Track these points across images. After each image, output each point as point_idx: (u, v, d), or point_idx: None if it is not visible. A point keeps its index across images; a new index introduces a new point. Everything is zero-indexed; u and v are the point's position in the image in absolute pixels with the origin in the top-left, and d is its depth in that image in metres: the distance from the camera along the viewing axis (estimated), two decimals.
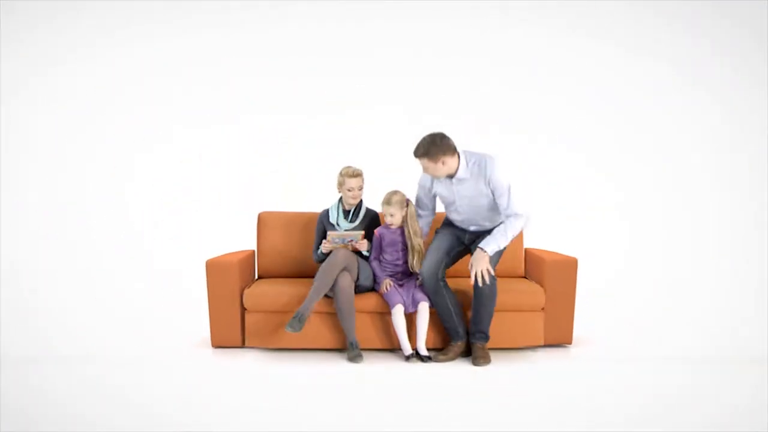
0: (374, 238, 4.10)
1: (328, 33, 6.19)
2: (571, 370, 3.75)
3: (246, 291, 4.05)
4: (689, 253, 6.05)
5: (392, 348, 4.03)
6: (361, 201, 4.23)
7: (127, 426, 2.90)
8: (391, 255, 4.08)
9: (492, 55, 6.23)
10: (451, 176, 3.87)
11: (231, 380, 3.55)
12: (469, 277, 3.80)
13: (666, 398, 3.29)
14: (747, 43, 6.15)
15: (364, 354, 3.91)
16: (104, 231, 6.10)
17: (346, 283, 3.88)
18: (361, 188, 4.16)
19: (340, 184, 4.15)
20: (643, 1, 6.20)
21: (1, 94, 6.12)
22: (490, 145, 5.94)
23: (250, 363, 3.87)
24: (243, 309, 4.08)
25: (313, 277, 4.05)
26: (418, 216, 4.13)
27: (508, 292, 3.99)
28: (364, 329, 3.99)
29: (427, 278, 3.89)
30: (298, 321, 3.75)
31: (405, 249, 4.07)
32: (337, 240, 4.00)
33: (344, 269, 3.91)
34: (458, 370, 3.75)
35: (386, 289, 3.98)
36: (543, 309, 4.07)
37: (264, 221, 4.50)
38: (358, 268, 3.99)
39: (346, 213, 4.22)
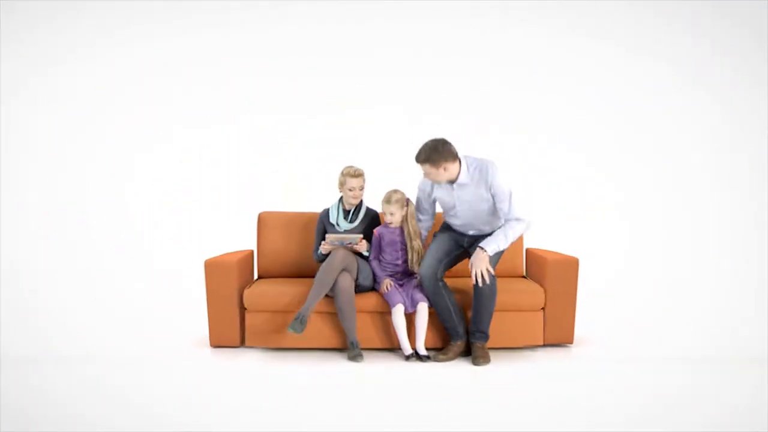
0: (373, 238, 4.10)
1: (328, 33, 6.19)
2: (571, 370, 3.75)
3: (246, 291, 4.05)
4: (689, 253, 6.05)
5: (392, 347, 4.04)
6: (361, 201, 4.23)
7: (127, 426, 2.90)
8: (390, 255, 4.08)
9: (492, 55, 6.23)
10: (452, 181, 3.89)
11: (231, 380, 3.55)
12: (470, 276, 3.80)
13: (666, 398, 3.29)
14: (747, 43, 6.15)
15: (365, 353, 3.92)
16: (104, 231, 6.10)
17: (347, 283, 3.89)
18: (362, 188, 4.16)
19: (341, 184, 4.15)
20: (643, 1, 6.20)
21: (1, 94, 6.12)
22: (490, 145, 5.98)
23: (250, 363, 3.87)
24: (242, 309, 4.09)
25: (313, 277, 4.06)
26: (418, 220, 4.14)
27: (508, 292, 3.99)
28: (364, 329, 3.99)
29: (427, 279, 3.89)
30: (300, 322, 3.76)
31: (404, 249, 4.07)
32: (335, 242, 4.00)
33: (344, 269, 3.91)
34: (458, 370, 3.75)
35: (386, 289, 3.98)
36: (543, 309, 4.07)
37: (264, 221, 4.50)
38: (358, 267, 3.99)
39: (346, 213, 4.22)
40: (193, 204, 6.18)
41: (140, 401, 3.22)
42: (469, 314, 3.95)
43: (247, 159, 6.23)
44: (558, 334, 4.12)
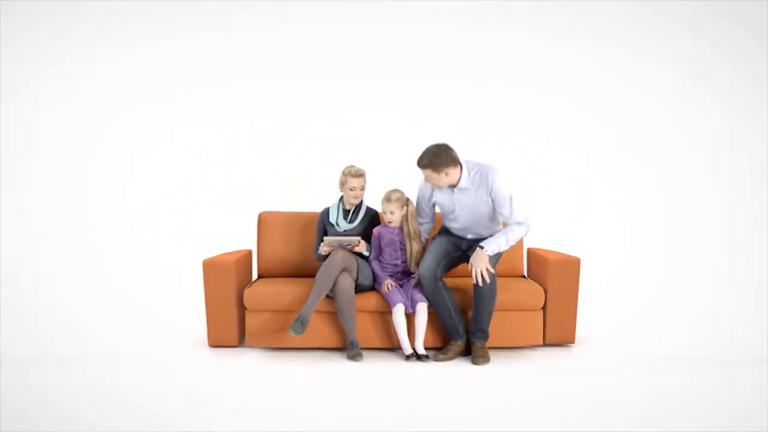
0: (373, 238, 4.10)
1: (328, 33, 6.19)
2: (571, 370, 3.75)
3: (246, 291, 4.05)
4: (689, 253, 6.04)
5: (392, 347, 4.04)
6: (361, 200, 4.23)
7: (127, 426, 2.90)
8: (389, 255, 4.08)
9: (492, 55, 6.23)
10: (452, 186, 3.90)
11: (231, 380, 3.55)
12: (470, 276, 3.81)
13: (666, 398, 3.29)
14: (747, 43, 6.15)
15: (364, 353, 3.92)
16: (104, 231, 6.10)
17: (347, 283, 3.89)
18: (363, 188, 4.16)
19: (342, 183, 4.16)
20: (643, 1, 6.20)
21: (1, 94, 6.12)
22: (490, 145, 6.00)
23: (249, 363, 3.87)
24: (240, 309, 4.10)
25: (313, 276, 4.06)
26: (419, 224, 4.14)
27: (508, 292, 4.00)
28: (364, 329, 3.99)
29: (426, 279, 3.89)
30: (300, 324, 3.76)
31: (403, 249, 4.07)
32: (333, 244, 4.01)
33: (344, 270, 3.91)
34: (458, 369, 3.75)
35: (387, 289, 3.98)
36: (542, 308, 4.07)
37: (264, 221, 4.50)
38: (358, 268, 4.00)
39: (346, 212, 4.22)
40: (193, 204, 6.18)
41: (140, 401, 3.22)
42: (469, 314, 3.95)
43: (247, 159, 6.23)
44: (559, 334, 4.12)
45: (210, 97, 6.20)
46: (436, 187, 3.94)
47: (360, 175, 4.12)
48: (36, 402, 3.20)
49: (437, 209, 4.15)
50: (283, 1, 6.19)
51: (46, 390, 3.36)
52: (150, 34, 6.16)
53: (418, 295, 3.95)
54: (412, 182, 4.16)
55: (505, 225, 4.04)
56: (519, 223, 3.85)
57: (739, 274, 5.80)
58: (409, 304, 3.94)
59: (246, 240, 4.72)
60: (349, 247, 4.01)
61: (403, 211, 4.03)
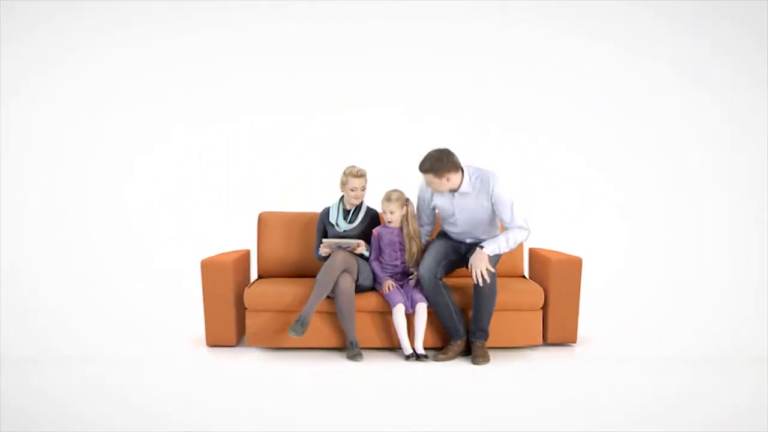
0: (372, 238, 4.10)
1: (328, 33, 6.19)
2: (571, 370, 3.75)
3: (246, 291, 4.06)
4: (689, 253, 6.04)
5: (392, 347, 4.04)
6: (362, 201, 4.23)
7: (127, 426, 2.90)
8: (389, 255, 4.08)
9: (492, 55, 6.22)
10: (453, 190, 3.91)
11: (231, 380, 3.55)
12: (470, 276, 3.82)
13: (666, 398, 3.29)
14: (747, 43, 6.15)
15: (364, 353, 3.92)
16: (104, 231, 6.10)
17: (347, 284, 3.89)
18: (363, 189, 4.16)
19: (343, 183, 4.15)
20: (643, 1, 6.20)
21: (1, 94, 6.12)
22: (490, 145, 6.00)
23: (249, 363, 3.87)
24: (238, 308, 4.11)
25: (313, 276, 4.06)
26: (418, 225, 4.14)
27: (508, 292, 4.00)
28: (364, 328, 4.00)
29: (426, 278, 3.90)
30: (301, 325, 3.77)
31: (403, 249, 4.08)
32: (333, 246, 4.01)
33: (344, 270, 3.91)
34: (458, 369, 3.75)
35: (388, 290, 3.98)
36: (542, 308, 4.08)
37: (264, 221, 4.50)
38: (358, 268, 4.00)
39: (346, 213, 4.22)
40: (193, 204, 6.17)
41: (140, 401, 3.22)
42: (469, 314, 3.96)
43: (247, 159, 6.22)
44: (561, 334, 4.14)
45: (210, 97, 6.20)
46: (437, 191, 3.95)
47: (361, 175, 4.12)
48: (36, 402, 3.20)
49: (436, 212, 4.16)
50: (283, 1, 6.19)
51: (46, 390, 3.36)
52: (150, 34, 6.16)
53: (418, 296, 3.95)
54: (412, 182, 4.15)
55: (503, 230, 4.06)
56: (521, 228, 3.89)
57: (739, 274, 5.80)
58: (409, 304, 3.94)
59: (246, 240, 4.72)
60: (349, 249, 4.01)
61: (403, 211, 4.03)
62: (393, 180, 4.21)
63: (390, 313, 3.94)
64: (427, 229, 4.21)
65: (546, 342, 4.17)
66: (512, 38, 6.22)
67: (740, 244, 6.05)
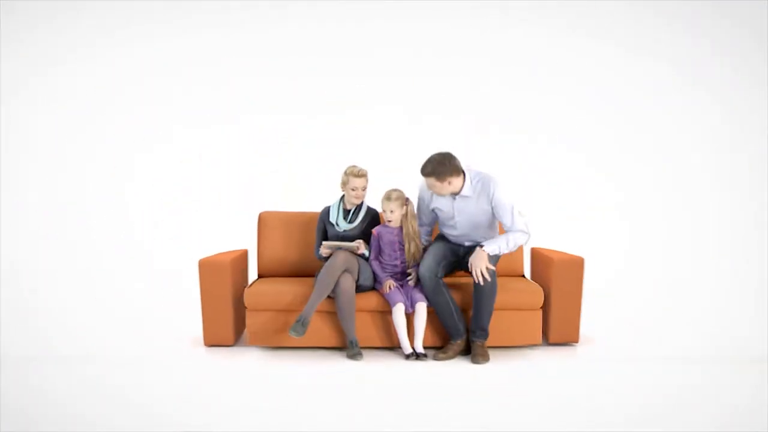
0: (372, 238, 4.10)
1: (328, 33, 6.19)
2: (570, 370, 3.75)
3: (246, 290, 4.06)
4: (689, 253, 6.04)
5: (392, 346, 4.04)
6: (362, 201, 4.23)
7: (127, 426, 2.90)
8: (389, 255, 4.08)
9: (492, 55, 6.22)
10: (454, 193, 3.92)
11: (231, 380, 3.55)
12: (469, 275, 3.82)
13: (666, 398, 3.29)
14: (747, 43, 6.15)
15: (364, 352, 3.92)
16: (104, 231, 6.10)
17: (348, 284, 3.89)
18: (364, 189, 4.16)
19: (344, 183, 4.15)
20: (643, 1, 6.20)
21: (1, 94, 6.12)
22: (490, 145, 6.00)
23: (249, 363, 3.87)
24: (236, 308, 4.11)
25: (313, 276, 4.06)
26: (418, 226, 4.15)
27: (507, 292, 4.01)
28: (364, 328, 4.00)
29: (427, 277, 3.90)
30: (301, 325, 3.77)
31: (402, 249, 4.08)
32: (334, 248, 4.01)
33: (345, 271, 3.91)
34: (458, 369, 3.75)
35: (388, 290, 3.98)
36: (541, 308, 4.08)
37: (264, 221, 4.50)
38: (359, 269, 4.00)
39: (347, 213, 4.22)
40: (193, 204, 6.17)
41: (140, 401, 3.22)
42: (470, 314, 3.96)
43: (247, 159, 6.23)
44: (563, 334, 4.14)
45: (210, 97, 6.20)
46: (438, 195, 3.97)
47: (362, 175, 4.12)
48: (36, 402, 3.20)
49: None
50: (283, 1, 6.19)
51: (46, 390, 3.36)
52: (150, 34, 6.16)
53: (418, 295, 3.96)
54: (412, 182, 4.15)
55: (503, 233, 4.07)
56: (522, 232, 3.92)
57: (739, 274, 5.80)
58: (408, 304, 3.95)
59: (246, 240, 4.72)
60: (350, 250, 4.02)
61: (403, 211, 4.03)
62: (393, 180, 4.21)
63: (390, 312, 3.95)
64: (426, 229, 4.21)
65: (548, 342, 4.17)
66: (512, 38, 6.22)
67: (740, 244, 6.05)
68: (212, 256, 4.21)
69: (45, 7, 6.11)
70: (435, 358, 3.88)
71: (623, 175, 6.26)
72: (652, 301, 5.34)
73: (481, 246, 3.84)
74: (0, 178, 6.11)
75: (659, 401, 3.25)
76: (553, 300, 4.09)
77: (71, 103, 6.17)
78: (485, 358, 3.85)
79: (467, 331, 3.96)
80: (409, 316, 3.96)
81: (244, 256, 4.44)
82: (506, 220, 3.91)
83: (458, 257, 4.08)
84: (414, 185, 4.15)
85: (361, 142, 5.94)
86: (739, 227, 6.12)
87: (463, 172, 3.92)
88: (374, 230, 4.11)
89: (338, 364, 3.81)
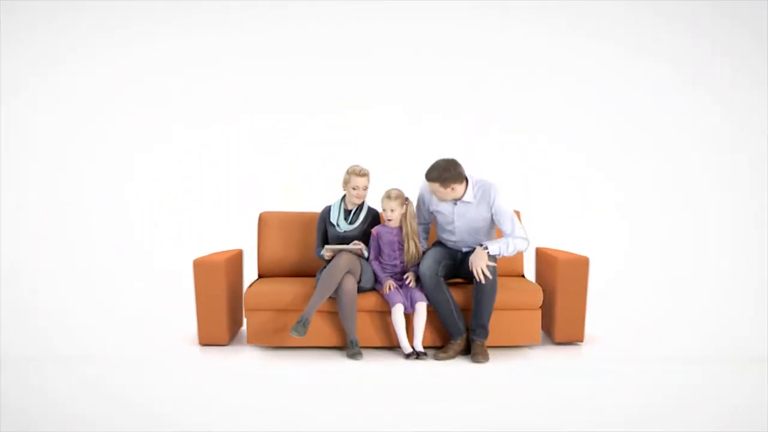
0: (371, 237, 4.10)
1: (328, 33, 6.19)
2: (570, 370, 3.76)
3: (247, 290, 4.07)
4: (689, 253, 6.04)
5: (392, 346, 4.04)
6: (363, 201, 4.23)
7: (127, 426, 2.89)
8: (388, 255, 4.08)
9: (492, 55, 6.22)
10: (456, 199, 3.95)
11: (231, 380, 3.55)
12: (468, 281, 3.84)
13: (666, 398, 3.29)
14: (747, 43, 6.15)
15: (364, 352, 3.92)
16: (104, 231, 6.10)
17: (350, 285, 3.89)
18: (366, 188, 4.16)
19: (346, 182, 4.15)
20: (643, 1, 6.20)
21: (1, 94, 6.12)
22: (490, 145, 6.00)
23: (249, 362, 3.87)
24: (230, 307, 4.11)
25: (313, 276, 4.05)
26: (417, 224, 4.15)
27: (507, 291, 4.01)
28: (364, 328, 4.00)
29: (427, 275, 3.91)
30: (303, 325, 3.77)
31: (402, 249, 4.08)
32: (336, 251, 4.01)
33: (348, 272, 3.91)
34: (458, 369, 3.75)
35: (388, 290, 3.98)
36: (540, 307, 4.09)
37: (264, 221, 4.50)
38: (361, 270, 4.00)
39: (347, 213, 4.21)
40: (193, 204, 6.17)
41: (140, 401, 3.22)
42: (469, 313, 3.96)
43: (247, 159, 6.22)
44: (568, 333, 4.16)
45: (210, 97, 6.19)
46: (440, 200, 3.99)
47: (364, 174, 4.12)
48: (36, 402, 3.20)
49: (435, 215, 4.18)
50: (283, 1, 6.18)
51: (46, 390, 3.36)
52: (150, 34, 6.16)
53: (418, 295, 3.96)
54: (412, 182, 4.16)
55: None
56: (523, 238, 3.95)
57: (739, 274, 5.80)
58: (408, 304, 3.95)
59: (246, 240, 4.72)
60: (353, 253, 4.02)
61: (403, 210, 4.03)
62: (393, 180, 4.21)
63: (389, 312, 3.94)
64: (424, 226, 4.23)
65: (554, 341, 4.18)
66: (512, 38, 6.22)
67: (740, 244, 6.05)
68: (207, 256, 4.21)
69: (45, 7, 6.10)
70: (435, 358, 3.88)
71: (623, 175, 6.26)
72: (652, 300, 5.34)
73: (482, 245, 3.85)
74: (0, 178, 6.11)
75: (659, 401, 3.25)
76: (558, 300, 4.10)
77: (71, 103, 6.17)
78: (485, 357, 3.85)
79: (467, 330, 3.96)
80: (409, 316, 3.96)
81: (239, 255, 4.45)
82: (506, 227, 3.94)
83: (456, 262, 4.09)
84: (414, 185, 4.16)
85: (361, 142, 5.94)
86: (739, 227, 6.12)
87: (466, 179, 3.94)
88: (373, 230, 4.11)
89: (338, 364, 3.81)
